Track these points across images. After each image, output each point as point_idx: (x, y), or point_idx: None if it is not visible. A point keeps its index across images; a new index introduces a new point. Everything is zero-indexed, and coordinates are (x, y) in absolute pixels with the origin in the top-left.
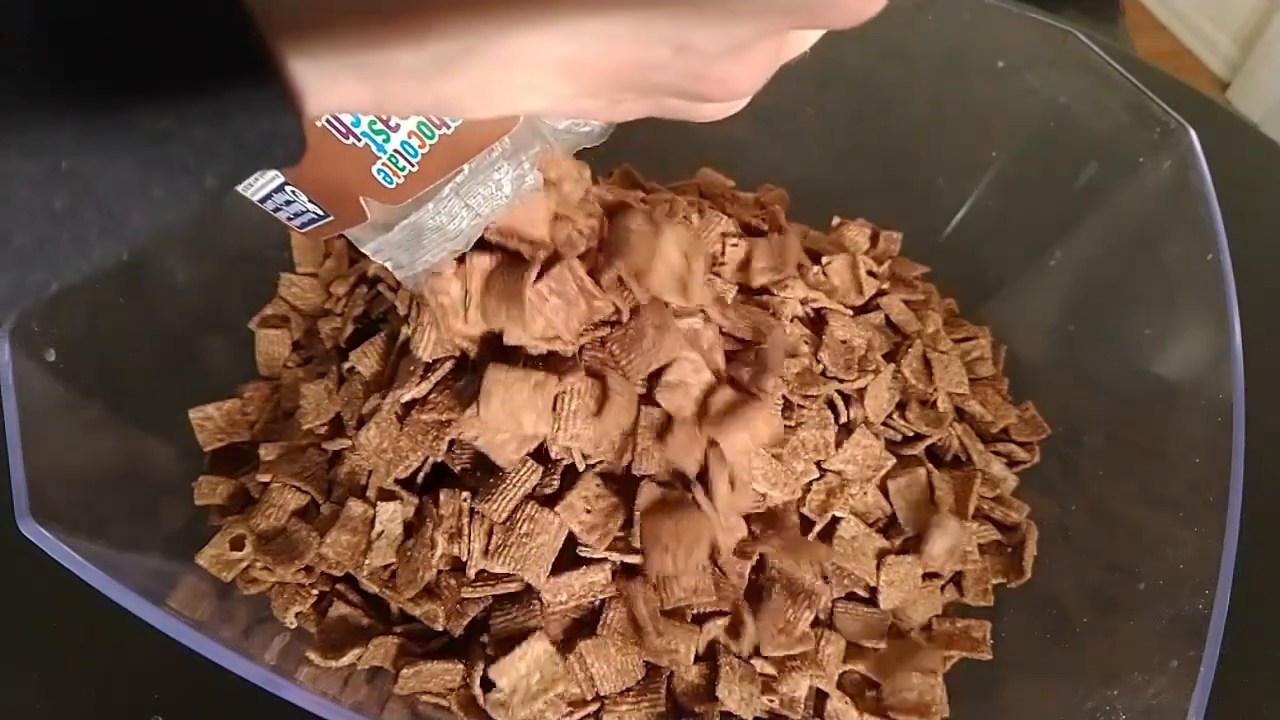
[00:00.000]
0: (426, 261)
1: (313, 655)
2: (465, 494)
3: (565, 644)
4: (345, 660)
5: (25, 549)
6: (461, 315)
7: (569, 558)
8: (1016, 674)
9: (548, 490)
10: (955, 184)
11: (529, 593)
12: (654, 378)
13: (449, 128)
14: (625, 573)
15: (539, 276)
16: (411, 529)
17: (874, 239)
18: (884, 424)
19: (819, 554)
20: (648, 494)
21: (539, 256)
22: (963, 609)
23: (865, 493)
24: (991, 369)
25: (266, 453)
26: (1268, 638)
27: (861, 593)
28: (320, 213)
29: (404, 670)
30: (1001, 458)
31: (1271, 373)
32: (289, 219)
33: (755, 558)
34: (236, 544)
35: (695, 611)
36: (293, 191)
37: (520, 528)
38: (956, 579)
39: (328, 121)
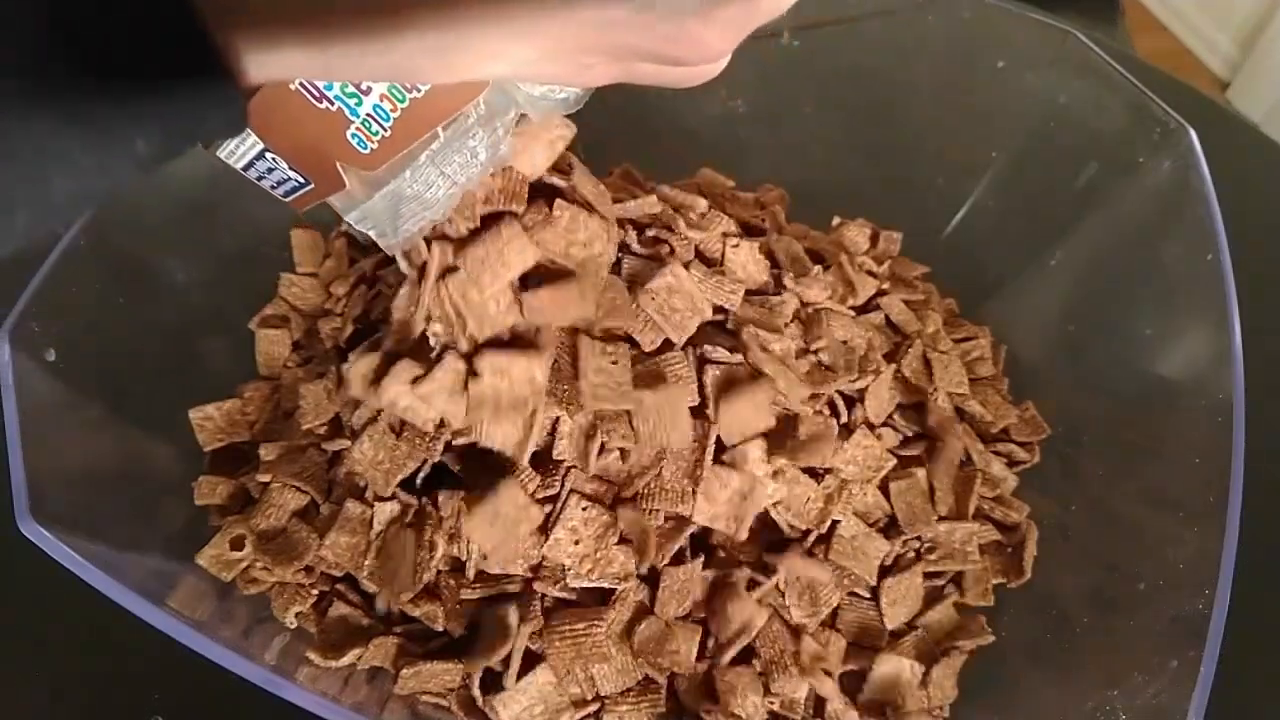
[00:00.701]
0: (407, 230)
1: (313, 655)
2: (464, 494)
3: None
4: (345, 660)
5: (25, 549)
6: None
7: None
8: (1016, 674)
9: (549, 491)
10: (955, 184)
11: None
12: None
13: (419, 91)
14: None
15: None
16: (410, 530)
17: (874, 239)
18: (884, 424)
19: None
20: None
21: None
22: (964, 610)
23: (865, 493)
24: (991, 369)
25: (266, 453)
26: (1268, 638)
27: (862, 593)
28: (301, 180)
29: (404, 670)
30: (1001, 458)
31: (1271, 373)
32: (272, 187)
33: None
34: (236, 544)
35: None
36: (273, 159)
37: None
38: (957, 579)
39: (300, 85)
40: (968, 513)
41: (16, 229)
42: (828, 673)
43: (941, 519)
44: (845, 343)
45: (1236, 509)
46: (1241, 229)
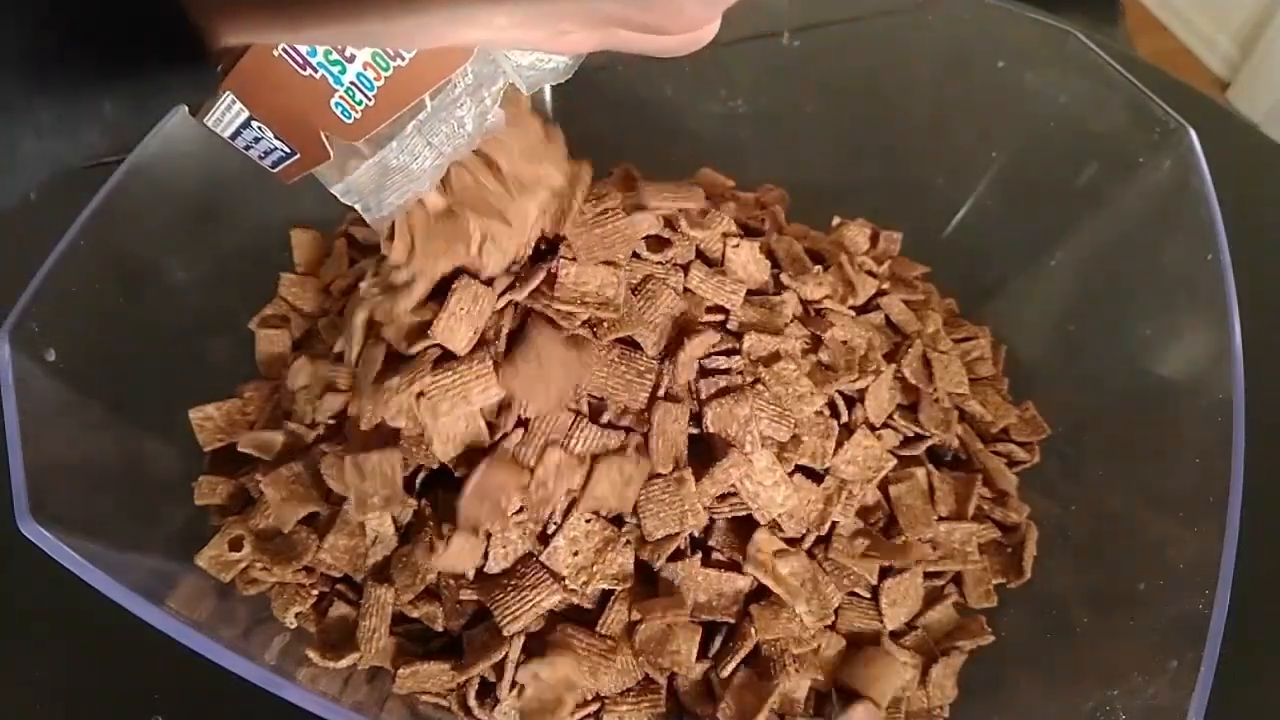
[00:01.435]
0: (392, 204)
1: (313, 655)
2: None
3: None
4: (345, 661)
5: (25, 549)
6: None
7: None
8: (1016, 674)
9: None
10: (955, 184)
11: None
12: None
13: (403, 59)
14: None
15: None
16: (410, 532)
17: (874, 239)
18: (884, 424)
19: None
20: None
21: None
22: (964, 610)
23: (865, 493)
24: (991, 369)
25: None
26: (1268, 638)
27: (862, 592)
28: (287, 150)
29: (401, 670)
30: (1001, 458)
31: (1271, 373)
32: (260, 157)
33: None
34: (235, 544)
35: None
36: (259, 127)
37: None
38: (957, 579)
39: (284, 51)
40: (967, 513)
41: None
42: (827, 673)
43: (941, 519)
44: (845, 343)
45: (1236, 509)
46: (1241, 229)
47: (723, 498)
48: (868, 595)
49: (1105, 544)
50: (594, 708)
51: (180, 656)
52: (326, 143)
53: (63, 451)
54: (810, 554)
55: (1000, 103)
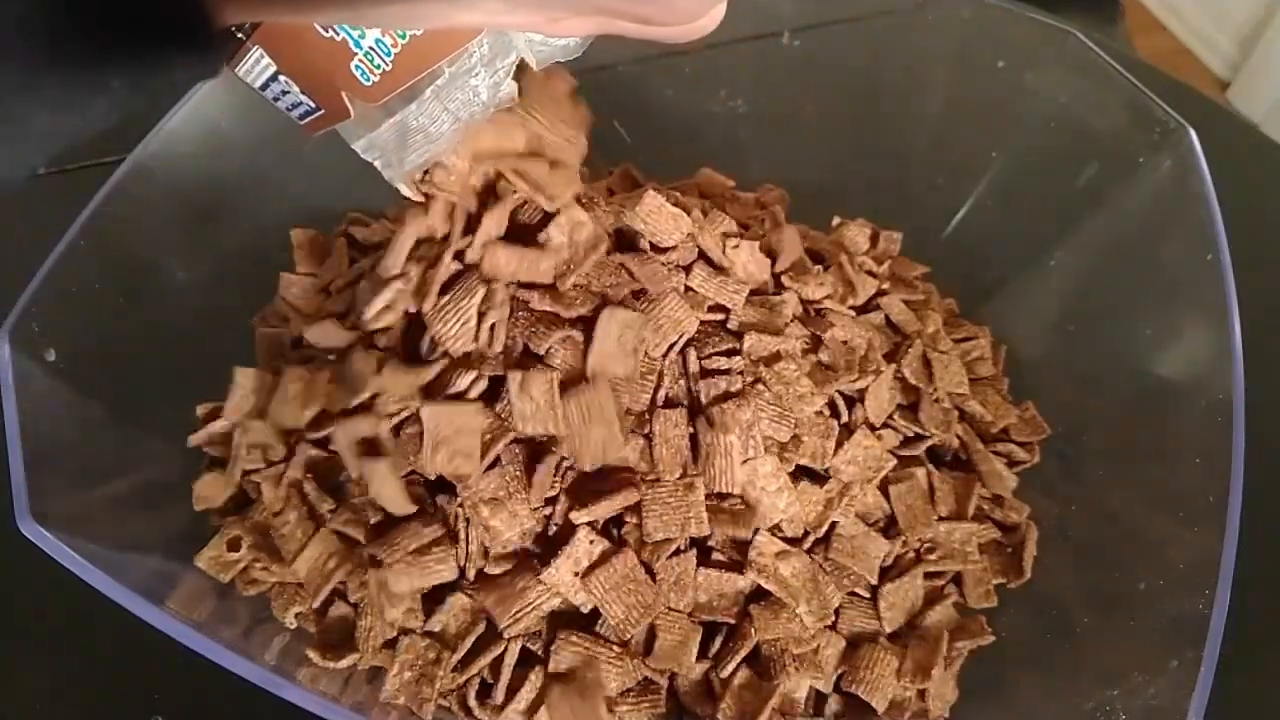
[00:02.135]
0: (412, 162)
1: (313, 655)
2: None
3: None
4: (345, 661)
5: (25, 549)
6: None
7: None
8: (1016, 674)
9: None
10: (955, 184)
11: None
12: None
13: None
14: None
15: None
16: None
17: (874, 239)
18: (884, 424)
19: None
20: None
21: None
22: (964, 610)
23: (865, 493)
24: (991, 369)
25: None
26: (1268, 638)
27: (862, 592)
28: (313, 105)
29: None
30: (1001, 458)
31: (1271, 373)
32: (289, 109)
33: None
34: (234, 545)
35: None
36: (286, 81)
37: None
38: (957, 579)
39: None
40: (967, 513)
41: None
42: (827, 673)
43: (941, 519)
44: (845, 343)
45: (1236, 509)
46: (1241, 229)
47: (723, 498)
48: (867, 595)
49: (1105, 544)
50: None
51: (180, 656)
52: (348, 102)
53: (63, 452)
54: (810, 554)
55: (1000, 103)
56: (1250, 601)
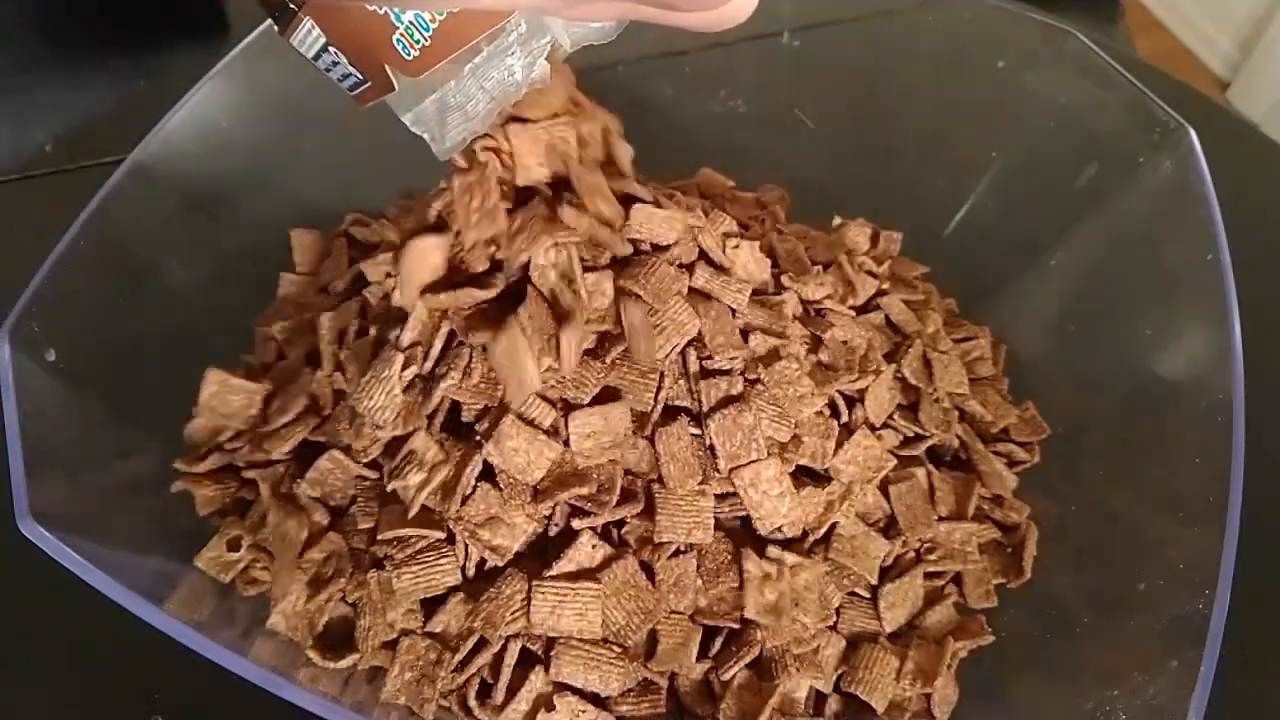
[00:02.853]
0: (453, 138)
1: (313, 655)
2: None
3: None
4: (345, 661)
5: (25, 549)
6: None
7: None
8: (1016, 674)
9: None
10: (955, 184)
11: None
12: None
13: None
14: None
15: None
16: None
17: (874, 239)
18: (885, 425)
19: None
20: None
21: None
22: (964, 610)
23: (865, 493)
24: (991, 369)
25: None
26: (1268, 638)
27: (862, 592)
28: (360, 76)
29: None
30: (1001, 458)
31: (1271, 373)
32: (339, 79)
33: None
34: (233, 545)
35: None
36: (336, 53)
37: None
38: (957, 579)
39: None
40: (967, 513)
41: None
42: (827, 673)
43: (941, 519)
44: (845, 343)
45: (1236, 509)
46: (1241, 229)
47: (723, 498)
48: (867, 595)
49: (1105, 544)
50: (594, 708)
51: (180, 656)
52: (391, 75)
53: (63, 452)
54: (810, 554)
55: (1000, 103)
56: (1250, 601)
